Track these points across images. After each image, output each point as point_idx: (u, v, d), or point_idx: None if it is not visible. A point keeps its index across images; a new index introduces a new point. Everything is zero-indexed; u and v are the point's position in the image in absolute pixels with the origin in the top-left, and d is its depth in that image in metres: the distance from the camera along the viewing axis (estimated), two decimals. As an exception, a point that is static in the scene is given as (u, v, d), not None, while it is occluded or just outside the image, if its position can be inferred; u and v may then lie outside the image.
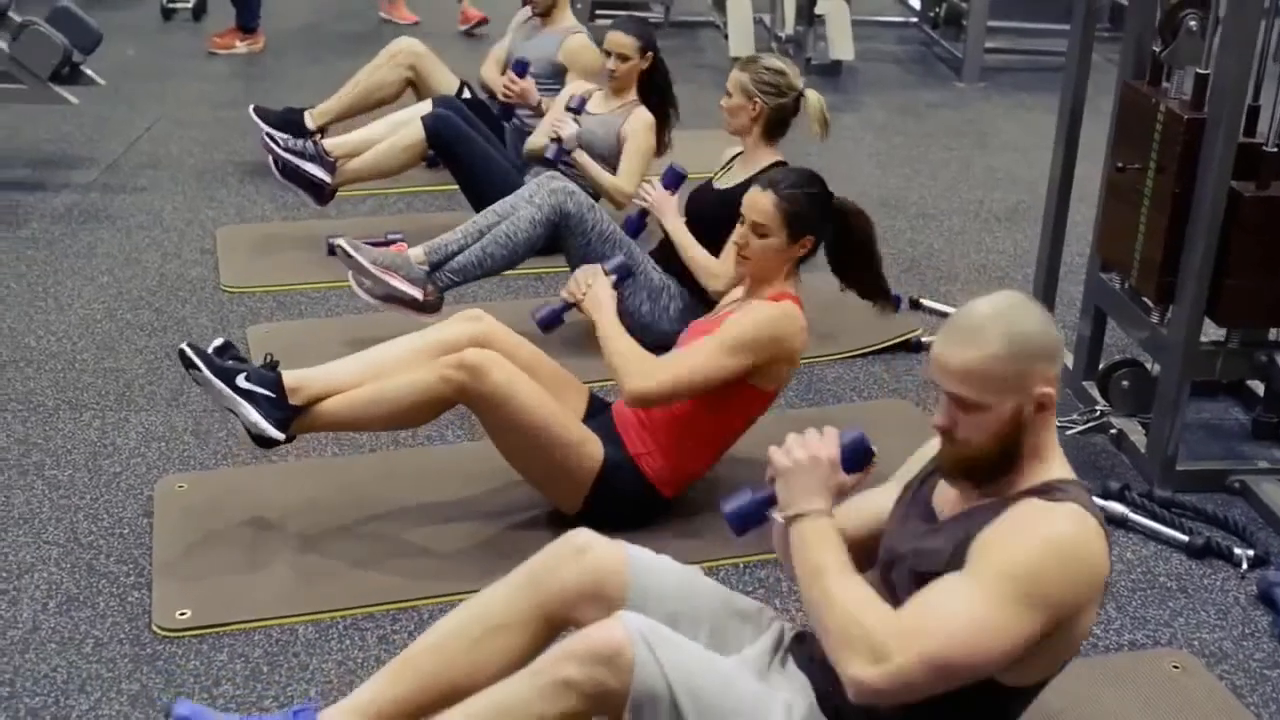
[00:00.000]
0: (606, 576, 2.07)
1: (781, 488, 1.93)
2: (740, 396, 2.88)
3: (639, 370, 2.81)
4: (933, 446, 2.08)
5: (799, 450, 1.92)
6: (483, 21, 7.32)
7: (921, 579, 1.86)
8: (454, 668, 2.05)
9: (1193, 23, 3.10)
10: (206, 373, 2.75)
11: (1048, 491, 1.85)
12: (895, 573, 1.97)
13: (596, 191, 4.16)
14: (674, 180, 3.73)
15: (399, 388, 2.81)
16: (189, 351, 2.76)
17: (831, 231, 2.92)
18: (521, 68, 4.58)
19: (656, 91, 4.27)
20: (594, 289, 2.97)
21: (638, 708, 1.85)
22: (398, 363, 2.89)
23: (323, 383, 2.84)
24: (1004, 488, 1.89)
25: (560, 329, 3.16)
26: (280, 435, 2.79)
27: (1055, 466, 1.90)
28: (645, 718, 1.85)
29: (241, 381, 2.77)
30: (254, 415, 2.75)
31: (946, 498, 1.97)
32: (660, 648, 1.87)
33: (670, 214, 3.68)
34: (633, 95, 4.27)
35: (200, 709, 2.09)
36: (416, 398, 2.80)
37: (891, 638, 1.74)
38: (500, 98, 4.65)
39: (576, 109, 4.19)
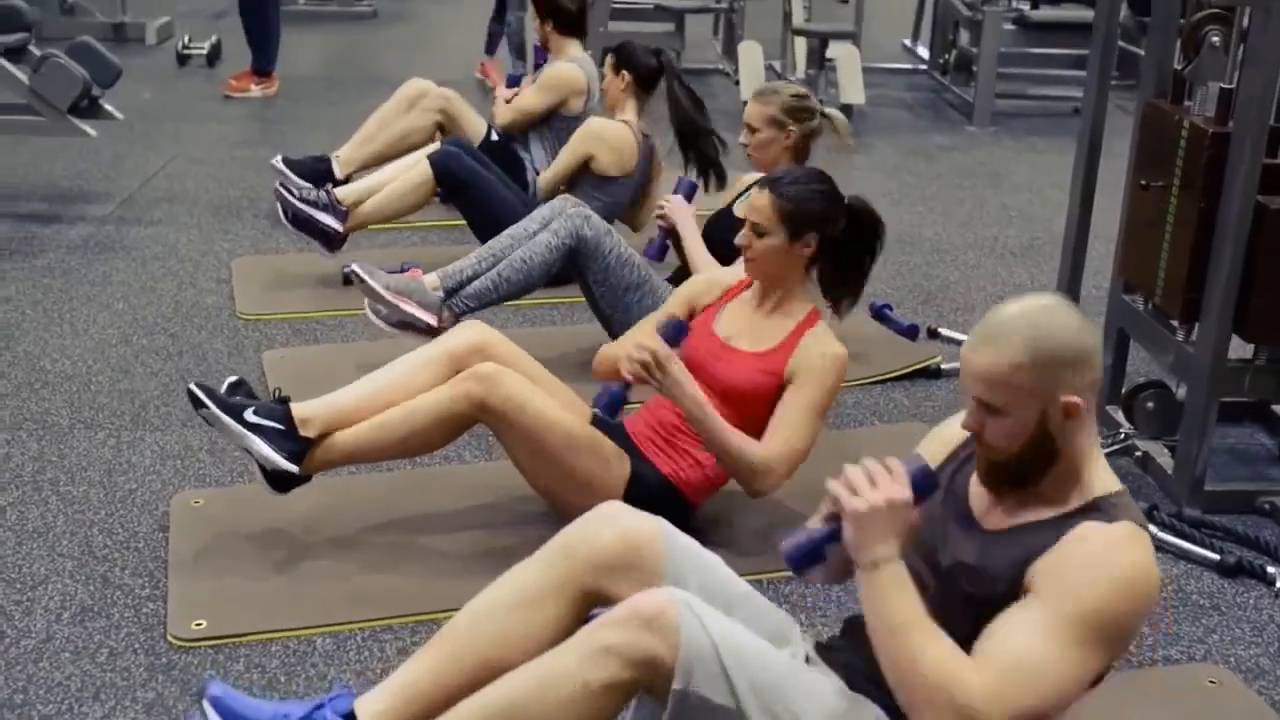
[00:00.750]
0: (641, 545, 2.03)
1: (853, 532, 1.80)
2: (771, 409, 2.84)
3: (762, 471, 2.75)
4: (949, 429, 2.05)
5: (872, 493, 1.79)
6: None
7: (976, 604, 1.82)
8: (489, 643, 2.01)
9: (1215, 38, 3.10)
10: (215, 410, 2.71)
11: (1100, 509, 1.80)
12: (938, 582, 1.90)
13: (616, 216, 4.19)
14: (688, 189, 3.74)
15: (414, 411, 2.77)
16: (197, 391, 2.72)
17: (838, 233, 2.85)
18: (514, 80, 4.78)
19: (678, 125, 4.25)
20: (670, 375, 2.66)
21: (687, 673, 1.78)
22: (407, 383, 2.84)
23: (334, 413, 2.80)
24: (1050, 499, 1.84)
25: (557, 351, 3.08)
26: (293, 467, 2.74)
27: (1101, 478, 1.85)
28: (695, 684, 1.79)
29: (250, 416, 2.73)
30: (265, 449, 2.71)
31: (984, 502, 1.92)
32: (705, 613, 1.83)
33: (688, 225, 3.65)
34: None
35: (231, 690, 2.04)
36: (433, 418, 2.76)
37: (979, 699, 1.69)
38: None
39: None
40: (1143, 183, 3.30)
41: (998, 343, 1.78)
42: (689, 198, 3.74)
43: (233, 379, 2.88)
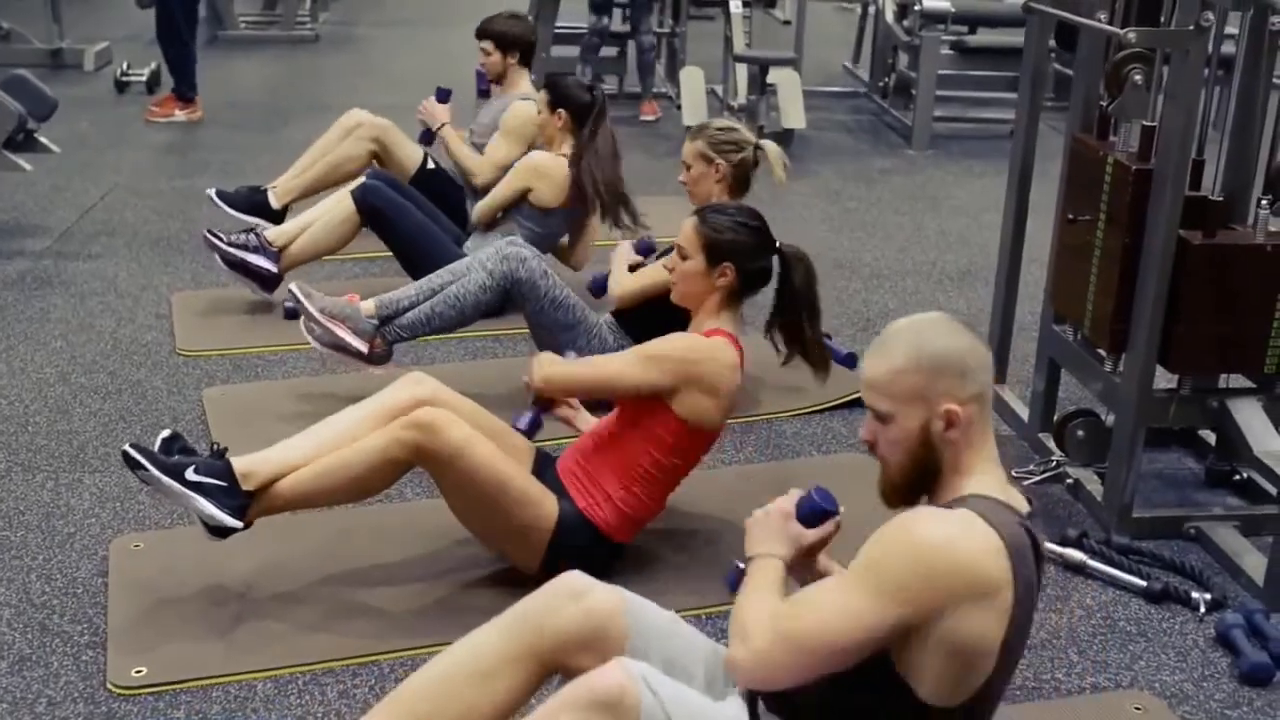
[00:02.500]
0: (607, 622, 2.04)
1: (747, 538, 2.09)
2: (673, 434, 2.86)
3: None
4: None
5: (759, 511, 2.11)
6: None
7: None
8: (439, 714, 2.01)
9: (1138, 77, 3.18)
10: (154, 471, 2.68)
11: (949, 504, 1.90)
12: None
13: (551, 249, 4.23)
14: (646, 249, 3.84)
15: (352, 456, 2.76)
16: (133, 453, 2.68)
17: (759, 269, 2.93)
18: (443, 94, 4.82)
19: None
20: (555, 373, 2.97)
21: None
22: (347, 433, 2.83)
23: (274, 464, 2.78)
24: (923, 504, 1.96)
25: (499, 386, 3.15)
26: (238, 523, 2.73)
27: (973, 485, 1.92)
28: None
29: (190, 475, 2.70)
30: (209, 507, 2.69)
31: None
32: (663, 690, 1.85)
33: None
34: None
35: None
36: (371, 464, 2.76)
37: (758, 623, 1.88)
38: (417, 116, 4.84)
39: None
40: (1070, 216, 3.38)
41: (883, 350, 1.94)
42: (645, 255, 3.86)
43: (166, 434, 2.82)
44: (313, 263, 4.84)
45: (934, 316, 1.99)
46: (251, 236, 4.42)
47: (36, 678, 2.58)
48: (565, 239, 4.60)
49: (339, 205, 4.46)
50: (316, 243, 4.46)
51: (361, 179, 4.62)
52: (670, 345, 2.88)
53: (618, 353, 3.05)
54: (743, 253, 2.89)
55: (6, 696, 2.52)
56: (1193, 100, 3.00)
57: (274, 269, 4.40)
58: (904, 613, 1.80)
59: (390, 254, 4.98)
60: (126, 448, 2.70)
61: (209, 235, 4.39)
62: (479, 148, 4.79)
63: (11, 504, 3.23)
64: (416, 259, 4.28)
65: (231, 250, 4.35)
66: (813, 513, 2.09)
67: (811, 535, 2.08)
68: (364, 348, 3.65)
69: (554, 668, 2.06)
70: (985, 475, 1.95)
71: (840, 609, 1.83)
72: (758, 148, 3.69)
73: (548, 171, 4.35)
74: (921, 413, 1.89)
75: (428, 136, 4.87)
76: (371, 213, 4.40)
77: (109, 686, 2.56)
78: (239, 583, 2.90)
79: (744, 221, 2.93)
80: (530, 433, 2.97)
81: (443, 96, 4.83)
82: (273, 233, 4.50)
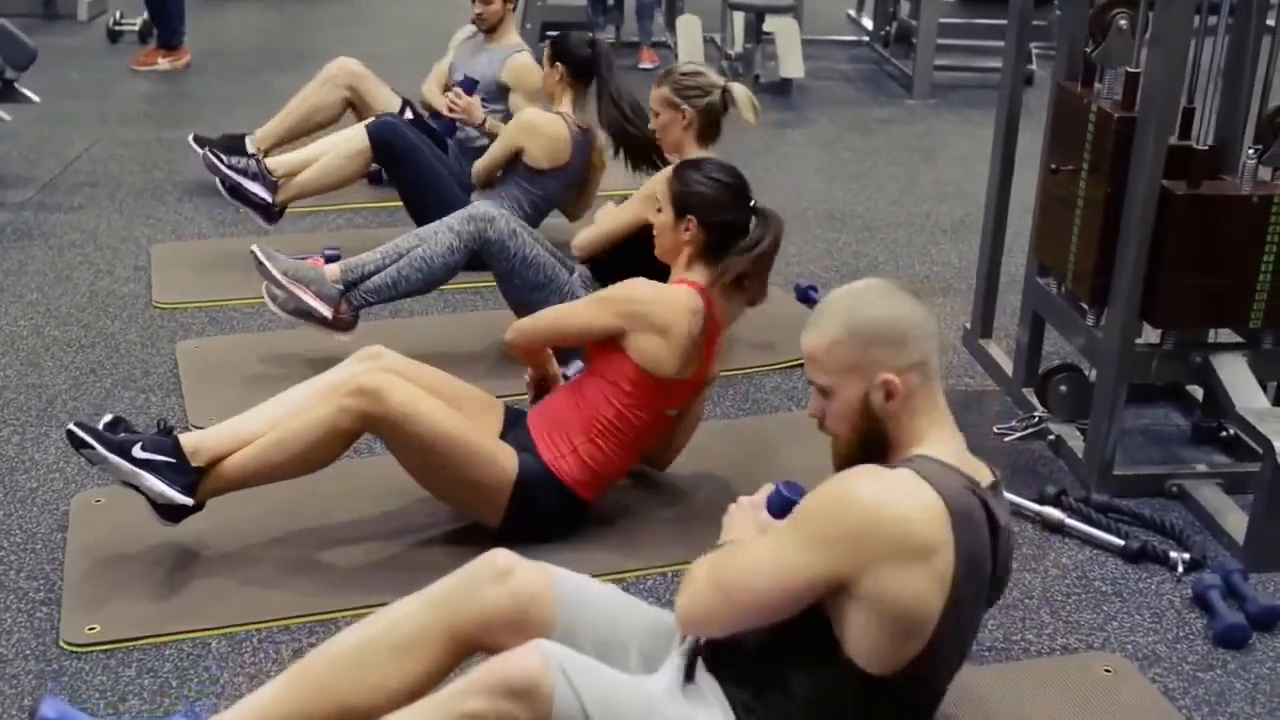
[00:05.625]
0: (532, 604, 1.98)
1: (723, 526, 2.11)
2: (630, 381, 2.81)
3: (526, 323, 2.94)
4: None
5: (732, 507, 2.13)
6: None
7: None
8: (351, 686, 1.95)
9: (1123, 21, 3.08)
10: (100, 449, 2.63)
11: (893, 465, 1.86)
12: None
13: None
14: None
15: (298, 428, 2.70)
16: (78, 431, 2.62)
17: (722, 224, 2.85)
18: (469, 85, 4.54)
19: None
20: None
21: None
22: (299, 406, 2.78)
23: (223, 439, 2.73)
24: None
25: (479, 340, 3.11)
26: (188, 500, 2.67)
27: (920, 449, 1.89)
28: None
29: (138, 452, 2.65)
30: (158, 484, 2.64)
31: None
32: (578, 677, 1.78)
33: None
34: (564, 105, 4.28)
35: (68, 709, 1.98)
36: (318, 434, 2.69)
37: (696, 569, 1.91)
38: (445, 113, 4.60)
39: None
40: (1053, 166, 3.29)
41: (820, 322, 1.90)
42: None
43: (109, 417, 2.75)
44: (297, 215, 4.81)
45: (871, 284, 1.94)
46: (251, 162, 4.37)
47: (-11, 635, 2.56)
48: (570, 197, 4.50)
49: (352, 141, 4.41)
50: (322, 176, 4.42)
51: (359, 123, 4.55)
52: (620, 288, 2.86)
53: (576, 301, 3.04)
54: (706, 207, 2.85)
55: (-44, 654, 2.50)
56: (1178, 45, 2.91)
57: (269, 198, 4.35)
58: (831, 567, 1.77)
59: (376, 205, 4.97)
60: (71, 426, 2.64)
61: (210, 156, 4.33)
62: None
63: (-25, 458, 3.20)
64: (425, 200, 4.21)
65: (230, 173, 4.30)
66: (781, 503, 2.08)
67: (779, 525, 2.02)
68: (329, 313, 3.56)
69: (471, 646, 2.00)
70: (940, 443, 1.90)
71: (769, 558, 1.83)
72: (725, 91, 3.60)
73: (541, 130, 4.23)
74: (860, 384, 1.86)
75: (449, 128, 4.66)
76: (385, 148, 4.35)
77: (61, 644, 2.53)
78: (196, 540, 2.85)
79: (717, 178, 2.88)
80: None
81: (469, 87, 4.58)
82: (274, 162, 4.45)
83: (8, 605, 2.65)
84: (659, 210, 2.90)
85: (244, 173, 4.34)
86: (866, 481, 1.81)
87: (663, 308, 2.79)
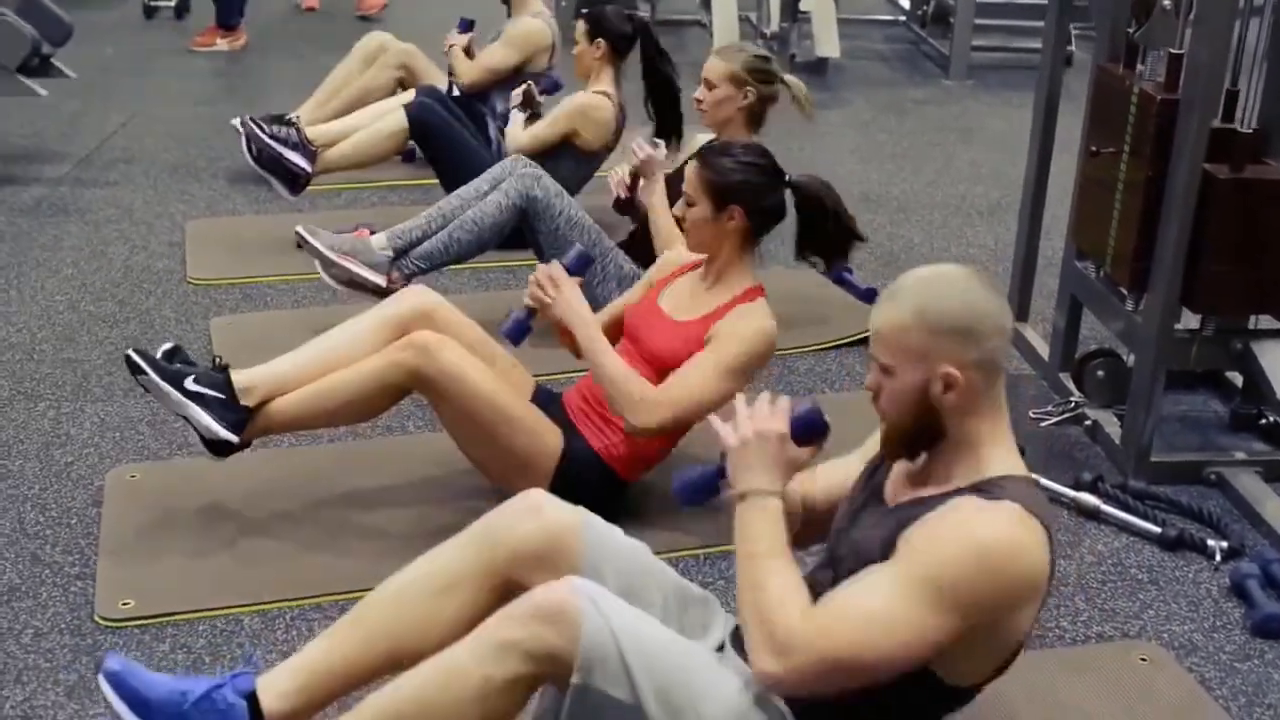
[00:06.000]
0: (561, 537, 2.00)
1: (730, 464, 1.87)
2: None
3: (644, 408, 2.67)
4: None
5: (747, 426, 1.86)
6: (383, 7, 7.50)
7: (857, 569, 1.81)
8: (399, 628, 1.99)
9: (1166, 2, 3.03)
10: (153, 377, 2.67)
11: (986, 489, 1.78)
12: (840, 555, 1.91)
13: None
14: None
15: (349, 378, 2.74)
16: (135, 356, 2.68)
17: (769, 207, 2.79)
18: (466, 25, 4.72)
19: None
20: (563, 294, 2.73)
21: (586, 668, 1.76)
22: (348, 346, 2.81)
23: (274, 381, 2.76)
24: (941, 479, 1.84)
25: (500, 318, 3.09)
26: (233, 437, 2.71)
27: (998, 461, 1.83)
28: (595, 679, 1.77)
29: (190, 384, 2.69)
30: (205, 418, 2.68)
31: (897, 484, 1.93)
32: (607, 605, 1.80)
33: (657, 178, 3.58)
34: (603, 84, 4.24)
35: (131, 664, 2.00)
36: (369, 386, 2.73)
37: (797, 636, 1.70)
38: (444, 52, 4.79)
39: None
40: (1093, 149, 3.25)
41: (893, 300, 1.81)
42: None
43: (168, 346, 2.82)
44: (331, 191, 4.82)
45: (952, 271, 1.84)
46: (292, 132, 4.37)
47: (24, 608, 2.57)
48: None
49: (390, 119, 4.42)
50: (358, 152, 4.43)
51: (404, 97, 4.58)
52: (751, 348, 2.73)
53: (696, 369, 2.71)
54: (750, 192, 2.75)
55: (-7, 627, 2.52)
56: (1223, 27, 2.86)
57: (309, 168, 4.35)
58: (967, 622, 1.70)
59: (410, 183, 4.96)
60: (130, 352, 2.69)
61: (250, 122, 4.32)
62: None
63: (12, 432, 3.21)
64: (462, 179, 4.21)
65: (270, 141, 4.28)
66: (809, 430, 1.91)
67: (806, 456, 1.92)
68: (381, 281, 3.59)
69: (512, 584, 2.00)
70: (1007, 453, 1.84)
71: (895, 628, 1.68)
72: (784, 82, 3.58)
73: (593, 115, 4.22)
74: (920, 371, 1.78)
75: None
76: (424, 130, 4.36)
77: (96, 619, 2.55)
78: (231, 516, 2.87)
79: (749, 160, 2.77)
80: (515, 339, 2.81)
81: (464, 26, 4.76)
82: (312, 131, 4.45)
83: (43, 579, 2.67)
84: (690, 205, 2.77)
85: (284, 142, 4.33)
86: (993, 527, 1.71)
87: (775, 337, 2.78)
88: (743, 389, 2.69)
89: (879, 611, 1.69)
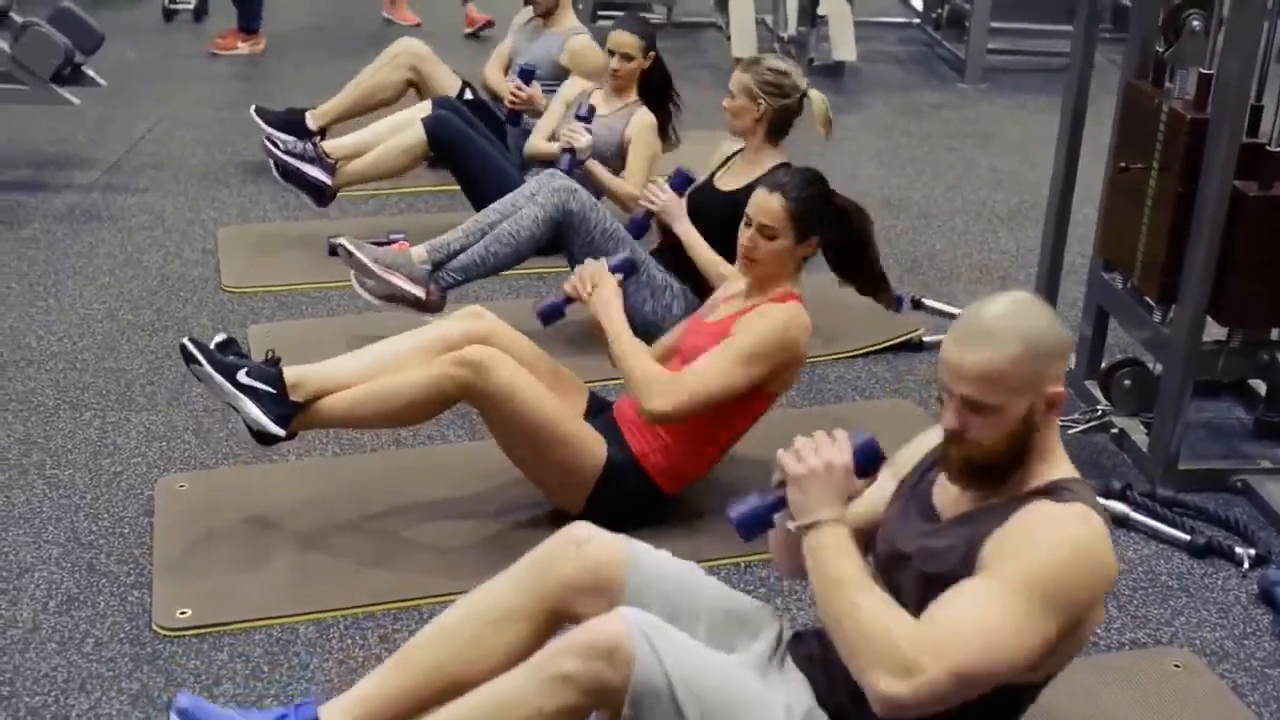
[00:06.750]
0: (606, 569, 2.06)
1: (794, 495, 1.89)
2: (745, 397, 2.87)
3: (659, 390, 2.77)
4: (926, 439, 2.09)
5: (813, 457, 1.88)
6: (488, 24, 7.30)
7: (930, 581, 1.86)
8: (454, 661, 2.05)
9: (1196, 23, 3.09)
10: (207, 368, 2.74)
11: (1054, 492, 1.85)
12: (900, 572, 1.96)
13: (603, 195, 4.15)
14: (683, 183, 3.73)
15: (401, 385, 2.81)
16: (190, 346, 2.74)
17: (834, 230, 2.92)
18: (528, 75, 4.57)
19: (657, 89, 4.27)
20: (601, 289, 2.91)
21: (637, 702, 1.84)
22: (399, 360, 2.88)
23: (324, 379, 2.84)
24: (1010, 487, 1.89)
25: (560, 327, 3.16)
26: (281, 431, 2.78)
27: (1060, 465, 1.90)
28: (644, 713, 1.84)
29: (242, 377, 2.76)
30: (255, 411, 2.74)
31: (948, 496, 1.97)
32: (660, 642, 1.86)
33: (680, 217, 3.66)
34: (634, 95, 4.27)
35: (200, 701, 2.09)
36: (419, 395, 2.80)
37: (921, 652, 1.72)
38: (506, 104, 4.64)
39: (586, 118, 4.13)
40: (1122, 165, 3.31)
41: (989, 339, 1.81)
42: (682, 190, 3.73)
43: (221, 337, 2.87)
44: (359, 198, 4.87)
45: (1023, 298, 1.87)
46: (309, 147, 4.43)
47: (84, 618, 2.63)
48: None
49: (408, 134, 4.45)
50: (378, 165, 4.47)
51: (429, 108, 4.56)
52: (771, 336, 2.80)
53: (714, 358, 2.80)
54: (828, 220, 2.90)
55: (55, 635, 2.58)
56: (1252, 48, 2.92)
57: (328, 180, 4.41)
58: (1068, 620, 1.77)
59: (437, 189, 5.02)
60: (185, 341, 2.75)
61: (267, 141, 4.39)
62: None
63: (60, 442, 3.27)
64: (484, 191, 4.25)
65: (287, 158, 4.36)
66: (870, 460, 1.91)
67: (862, 487, 1.93)
68: (421, 294, 3.65)
69: (561, 616, 2.08)
70: (1058, 451, 1.91)
71: (1014, 633, 1.73)
72: (804, 96, 3.63)
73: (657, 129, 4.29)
74: (1028, 398, 1.82)
75: (515, 119, 4.61)
76: (442, 144, 4.39)
77: (154, 627, 2.61)
78: (280, 526, 2.93)
79: (820, 191, 2.90)
80: (546, 320, 3.05)
81: (528, 77, 4.55)
82: (331, 145, 4.51)
83: (100, 588, 2.73)
84: (771, 238, 2.82)
85: (301, 157, 4.39)
86: (1081, 526, 1.78)
87: (806, 340, 2.87)
88: (762, 379, 2.81)
89: (998, 620, 1.73)
